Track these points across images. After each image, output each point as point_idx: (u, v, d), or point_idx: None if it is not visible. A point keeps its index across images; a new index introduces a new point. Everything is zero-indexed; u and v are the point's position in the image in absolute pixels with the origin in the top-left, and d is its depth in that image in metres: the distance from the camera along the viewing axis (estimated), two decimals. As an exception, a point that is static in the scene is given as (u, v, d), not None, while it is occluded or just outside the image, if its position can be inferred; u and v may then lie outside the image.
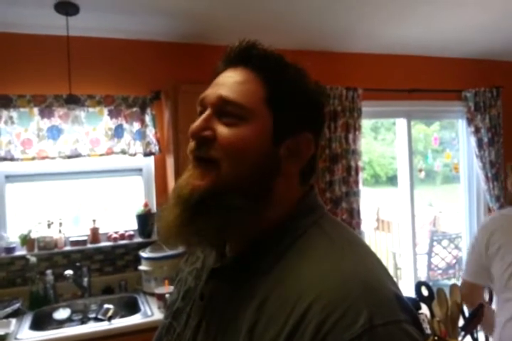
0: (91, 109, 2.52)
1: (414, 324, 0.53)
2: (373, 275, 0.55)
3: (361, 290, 0.51)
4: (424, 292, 1.78)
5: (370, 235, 4.83)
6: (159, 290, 2.30)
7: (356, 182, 3.07)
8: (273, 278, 0.57)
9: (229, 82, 0.60)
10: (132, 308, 2.34)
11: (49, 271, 2.38)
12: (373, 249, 0.63)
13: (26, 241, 2.40)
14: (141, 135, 2.60)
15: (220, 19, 2.44)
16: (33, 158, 2.40)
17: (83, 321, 2.27)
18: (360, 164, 3.10)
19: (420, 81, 3.27)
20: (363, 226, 3.16)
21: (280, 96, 0.59)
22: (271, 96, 0.59)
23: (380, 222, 5.15)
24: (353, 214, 3.05)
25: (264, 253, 0.60)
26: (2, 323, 2.01)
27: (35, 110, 2.41)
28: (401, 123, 3.42)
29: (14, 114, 2.38)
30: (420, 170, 3.49)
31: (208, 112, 0.61)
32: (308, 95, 0.62)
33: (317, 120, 0.64)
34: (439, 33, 2.89)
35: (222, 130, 0.59)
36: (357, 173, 3.07)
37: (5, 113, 2.35)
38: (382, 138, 6.33)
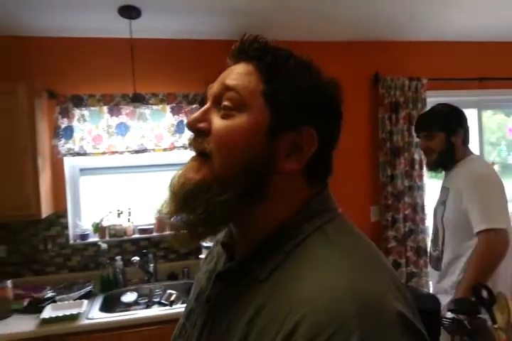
0: (155, 107, 2.66)
1: None
2: (374, 292, 0.49)
3: (355, 309, 0.46)
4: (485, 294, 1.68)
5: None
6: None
7: (420, 176, 2.96)
8: (269, 288, 0.54)
9: (231, 73, 0.60)
10: (192, 294, 2.47)
11: (118, 257, 2.59)
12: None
13: (98, 229, 2.61)
14: (201, 130, 2.69)
15: (276, 15, 2.44)
16: (104, 153, 2.60)
17: (148, 305, 2.43)
18: (425, 157, 2.97)
19: (491, 69, 3.04)
20: (429, 222, 3.03)
21: (276, 90, 0.57)
22: (268, 90, 0.57)
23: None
24: (417, 209, 2.95)
25: (264, 259, 0.57)
26: (76, 303, 2.22)
27: (105, 108, 2.60)
28: (471, 114, 3.21)
29: (86, 112, 2.58)
30: (493, 163, 3.25)
31: (207, 104, 0.61)
32: (309, 88, 0.58)
33: (321, 114, 0.59)
34: (509, 17, 2.66)
35: (216, 122, 0.58)
36: (421, 167, 2.95)
37: (77, 111, 2.56)
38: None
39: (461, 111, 1.95)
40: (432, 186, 3.10)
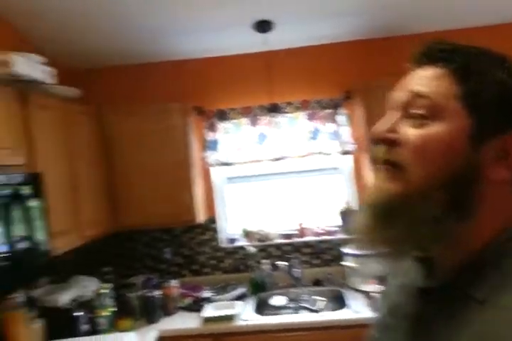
0: (290, 115, 2.73)
1: None
2: None
3: None
4: None
5: None
6: (365, 288, 2.32)
7: None
8: (489, 312, 0.49)
9: (418, 79, 0.56)
10: (337, 302, 2.44)
11: (266, 261, 2.70)
12: None
13: (246, 233, 2.77)
14: (336, 135, 2.68)
15: (412, 6, 2.31)
16: (246, 162, 2.76)
17: (296, 309, 2.48)
18: None
19: None
20: None
21: (473, 91, 0.52)
22: (464, 92, 0.52)
23: None
24: None
25: (479, 278, 0.52)
26: (232, 304, 2.37)
27: (245, 120, 2.75)
28: None
29: (229, 125, 2.76)
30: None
31: (393, 113, 0.58)
32: (510, 86, 0.52)
33: None
34: None
35: (409, 132, 0.55)
36: None
37: (222, 125, 2.76)
38: None
39: None
40: None
